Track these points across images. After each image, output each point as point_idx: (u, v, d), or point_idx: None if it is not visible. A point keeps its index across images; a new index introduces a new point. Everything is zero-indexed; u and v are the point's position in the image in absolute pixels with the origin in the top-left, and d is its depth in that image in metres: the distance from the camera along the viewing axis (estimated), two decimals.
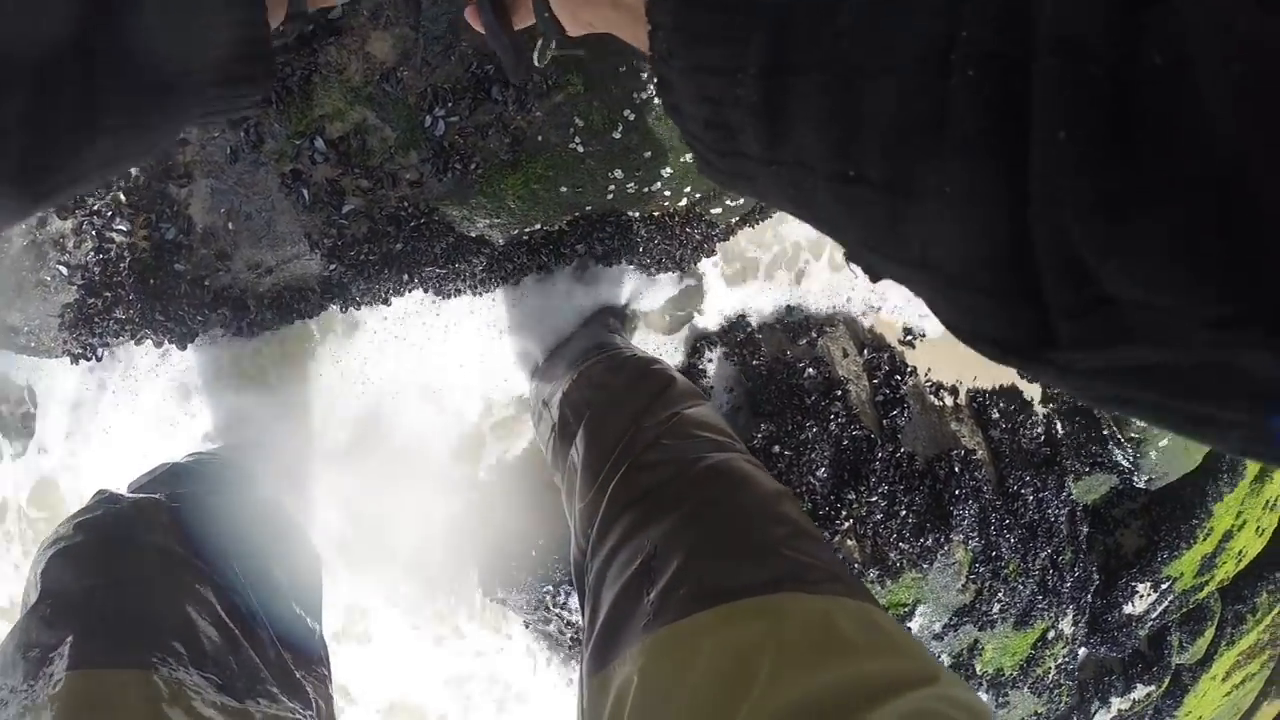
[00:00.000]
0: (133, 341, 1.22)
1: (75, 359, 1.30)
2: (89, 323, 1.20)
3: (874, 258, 0.38)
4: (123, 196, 1.11)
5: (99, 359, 1.29)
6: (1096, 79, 0.26)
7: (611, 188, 1.01)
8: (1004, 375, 1.79)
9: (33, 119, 0.43)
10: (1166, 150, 0.24)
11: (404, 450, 1.34)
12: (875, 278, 0.41)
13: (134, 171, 1.10)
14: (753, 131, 0.41)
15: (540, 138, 0.96)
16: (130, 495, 0.97)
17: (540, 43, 0.66)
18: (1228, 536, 2.45)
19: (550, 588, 1.25)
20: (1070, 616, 2.21)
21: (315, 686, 0.92)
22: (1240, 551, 2.55)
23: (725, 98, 0.43)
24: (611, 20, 0.58)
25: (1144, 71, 0.25)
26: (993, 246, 0.29)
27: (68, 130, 0.46)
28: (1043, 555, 1.95)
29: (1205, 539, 2.38)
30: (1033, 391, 1.85)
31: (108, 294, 1.15)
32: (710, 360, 1.32)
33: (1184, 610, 2.62)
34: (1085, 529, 2.24)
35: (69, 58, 0.44)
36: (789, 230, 1.40)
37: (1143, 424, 1.74)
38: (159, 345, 1.22)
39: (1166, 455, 2.08)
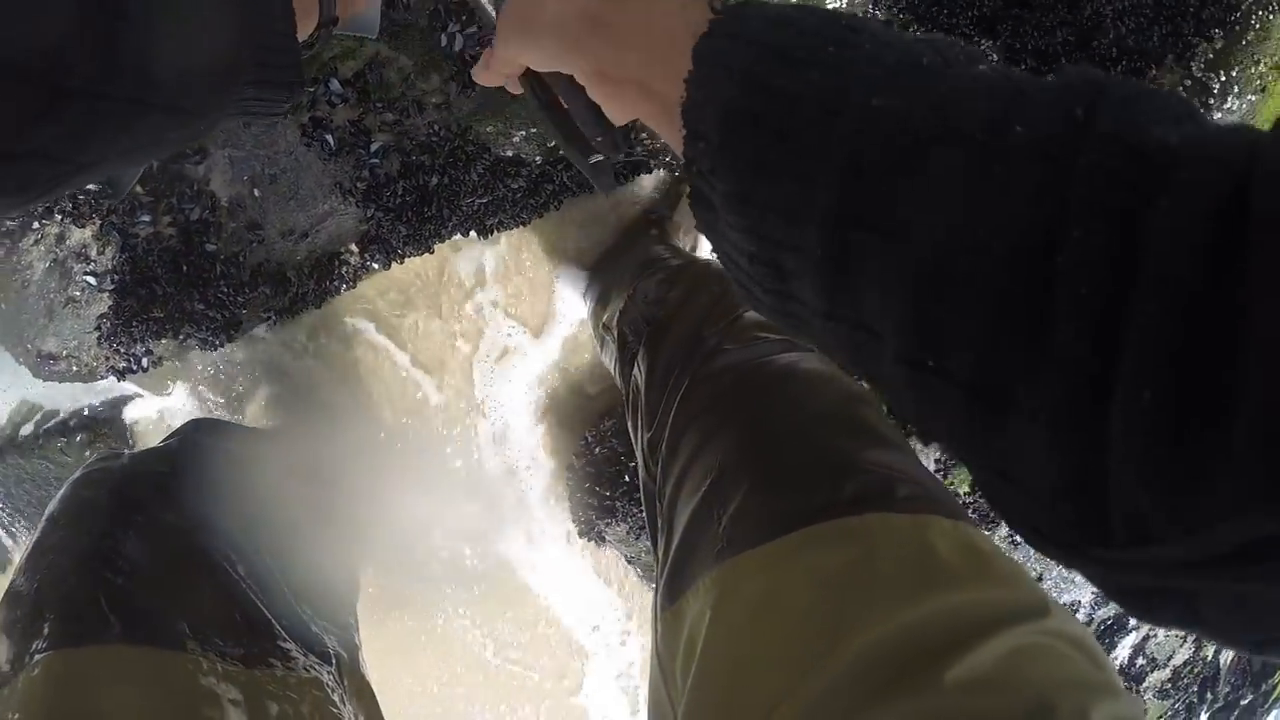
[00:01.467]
0: (175, 339, 1.18)
1: (120, 374, 1.26)
2: (128, 328, 1.16)
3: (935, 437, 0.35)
4: (139, 188, 1.07)
5: (144, 369, 1.25)
6: (1191, 339, 0.24)
7: None
8: None
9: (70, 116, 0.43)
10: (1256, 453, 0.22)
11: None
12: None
13: None
14: (810, 282, 0.36)
15: None
16: (128, 453, 0.87)
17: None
18: None
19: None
20: None
21: (338, 636, 0.85)
22: None
23: (779, 239, 0.36)
24: (642, 111, 0.47)
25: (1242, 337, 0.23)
26: (1075, 478, 0.28)
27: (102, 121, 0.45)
28: None
29: None
30: None
31: (142, 291, 1.12)
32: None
33: None
34: None
35: (84, 58, 0.41)
36: None
37: None
38: (204, 345, 1.18)
39: None
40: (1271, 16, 1.39)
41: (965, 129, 0.31)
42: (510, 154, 0.98)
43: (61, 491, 0.75)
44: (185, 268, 1.08)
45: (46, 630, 0.60)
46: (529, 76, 0.56)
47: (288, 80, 0.59)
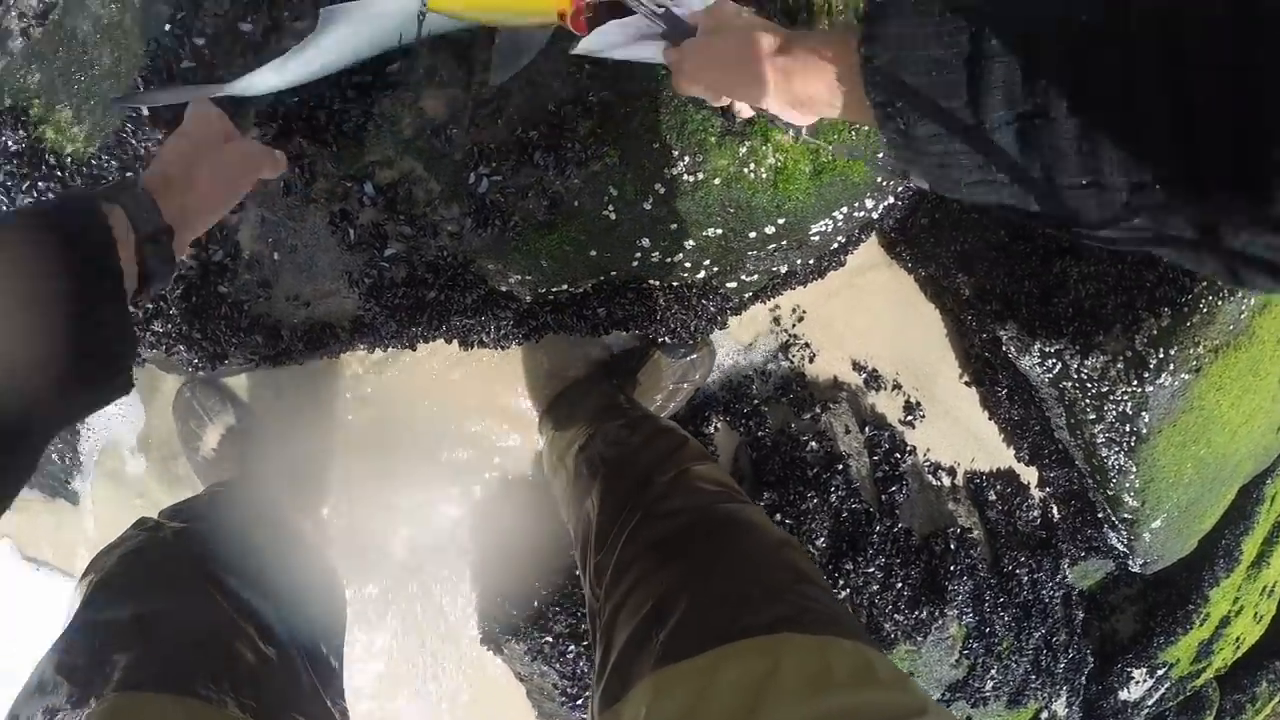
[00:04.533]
0: (164, 353, 1.27)
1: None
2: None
3: (1040, 188, 0.47)
4: None
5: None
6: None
7: (638, 255, 1.06)
8: (1001, 459, 1.82)
9: None
10: None
11: (408, 484, 1.38)
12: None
13: None
14: (961, 97, 0.48)
15: (576, 203, 1.01)
16: (170, 524, 1.01)
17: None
18: (1225, 622, 2.44)
19: (549, 638, 1.28)
20: (1064, 698, 2.20)
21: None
22: (1238, 638, 2.53)
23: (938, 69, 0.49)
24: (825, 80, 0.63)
25: None
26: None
27: None
28: (1037, 635, 1.96)
29: (1202, 624, 2.37)
30: (1029, 475, 1.87)
31: (150, 306, 1.21)
32: (715, 428, 1.36)
33: (1181, 698, 2.59)
34: (1081, 613, 2.24)
35: None
36: (803, 302, 1.45)
37: (1135, 503, 1.75)
38: (188, 364, 1.27)
39: (1161, 538, 2.09)
40: (1220, 302, 1.46)
41: None
42: (504, 289, 1.07)
43: (109, 564, 0.86)
44: (194, 299, 1.17)
45: (112, 676, 0.71)
46: None
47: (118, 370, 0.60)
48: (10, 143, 1.29)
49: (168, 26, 1.15)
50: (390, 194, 1.02)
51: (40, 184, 1.27)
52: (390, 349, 1.13)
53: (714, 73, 0.72)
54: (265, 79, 0.94)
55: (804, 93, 0.64)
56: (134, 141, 1.17)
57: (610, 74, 1.00)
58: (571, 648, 1.28)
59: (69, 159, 1.25)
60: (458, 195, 1.01)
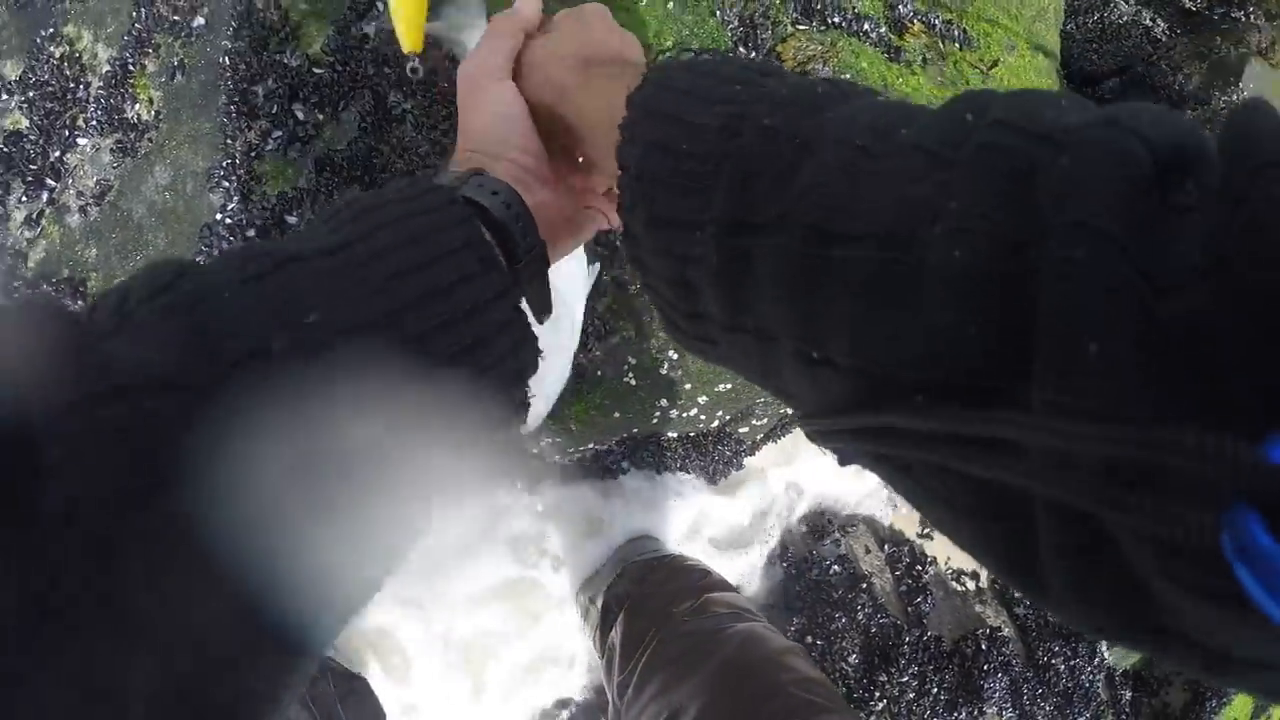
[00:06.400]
0: None
1: None
2: None
3: (839, 442, 0.34)
4: None
5: None
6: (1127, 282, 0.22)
7: (657, 413, 1.13)
8: None
9: None
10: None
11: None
12: (844, 462, 0.36)
13: None
14: (713, 295, 0.39)
15: (599, 372, 1.09)
16: None
17: None
18: None
19: None
20: None
21: None
22: None
23: (683, 253, 0.40)
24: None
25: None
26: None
27: None
28: None
29: None
30: None
31: None
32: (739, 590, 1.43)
33: None
34: (1128, 693, 2.21)
35: None
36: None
37: None
38: None
39: None
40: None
41: (848, 137, 0.33)
42: (534, 451, 1.15)
43: None
44: None
45: None
46: None
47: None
48: None
49: (218, 215, 1.26)
50: None
51: None
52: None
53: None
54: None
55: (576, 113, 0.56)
56: None
57: (622, 256, 1.09)
58: None
59: None
60: None
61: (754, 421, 1.21)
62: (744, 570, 1.43)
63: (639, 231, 0.43)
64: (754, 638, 1.00)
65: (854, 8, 1.13)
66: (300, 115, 1.22)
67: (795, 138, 0.35)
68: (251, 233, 1.22)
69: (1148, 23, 1.65)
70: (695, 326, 0.43)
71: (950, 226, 0.26)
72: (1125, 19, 1.65)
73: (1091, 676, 1.97)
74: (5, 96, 1.53)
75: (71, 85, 1.49)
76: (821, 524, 1.49)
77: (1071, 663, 1.89)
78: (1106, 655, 2.07)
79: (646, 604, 1.14)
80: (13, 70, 1.52)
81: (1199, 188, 0.23)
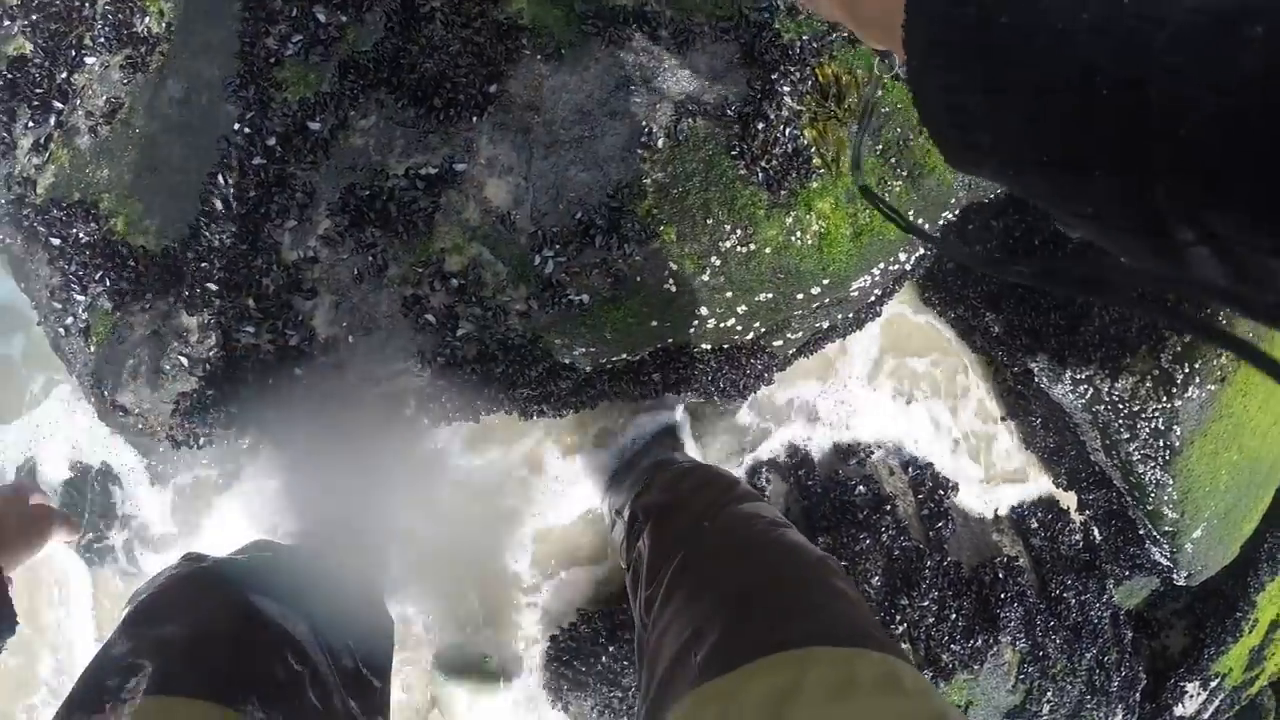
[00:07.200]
0: (235, 436, 1.33)
1: (177, 444, 1.41)
2: (203, 411, 1.31)
3: (1059, 211, 0.53)
4: (251, 302, 1.23)
5: (200, 446, 1.40)
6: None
7: (695, 323, 1.11)
8: (1040, 486, 1.85)
9: None
10: None
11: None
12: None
13: (265, 280, 1.22)
14: (981, 130, 0.54)
15: (639, 279, 1.07)
16: (213, 556, 1.06)
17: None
18: (1274, 627, 2.44)
19: (619, 693, 1.32)
20: (1120, 716, 2.21)
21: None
22: None
23: (965, 104, 0.55)
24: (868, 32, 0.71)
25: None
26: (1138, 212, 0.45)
27: None
28: (1089, 656, 1.98)
29: (1251, 631, 2.38)
30: (1069, 500, 1.90)
31: (228, 387, 1.27)
32: (767, 480, 1.40)
33: (1236, 709, 2.59)
34: (1129, 632, 2.25)
35: None
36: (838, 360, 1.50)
37: (1175, 515, 1.78)
38: (258, 442, 1.33)
39: (1203, 547, 2.11)
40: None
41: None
42: (567, 361, 1.12)
43: (160, 581, 0.92)
44: (271, 381, 1.23)
45: (142, 684, 0.76)
46: None
47: None
48: (82, 235, 1.35)
49: (236, 125, 1.22)
50: (460, 278, 1.08)
51: (113, 275, 1.32)
52: (454, 421, 1.19)
53: None
54: None
55: (867, 7, 0.69)
56: (207, 234, 1.23)
57: (664, 156, 1.06)
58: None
59: (141, 251, 1.31)
60: (524, 276, 1.07)
61: (789, 335, 1.20)
62: (771, 491, 1.42)
63: (925, 81, 0.58)
64: (785, 547, 0.95)
65: None
66: (322, 17, 1.18)
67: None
68: (272, 141, 1.18)
69: None
70: (967, 153, 0.57)
71: (1104, 79, 0.44)
72: None
73: (1100, 613, 2.00)
74: (7, 23, 1.46)
75: (76, 3, 1.43)
76: (847, 444, 1.48)
77: (1082, 597, 1.91)
78: (1114, 593, 2.10)
79: (675, 515, 1.11)
80: None
81: (1265, 29, 0.38)
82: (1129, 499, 1.78)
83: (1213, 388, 1.62)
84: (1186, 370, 1.57)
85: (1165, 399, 1.60)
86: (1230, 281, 0.43)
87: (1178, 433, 1.65)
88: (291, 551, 1.30)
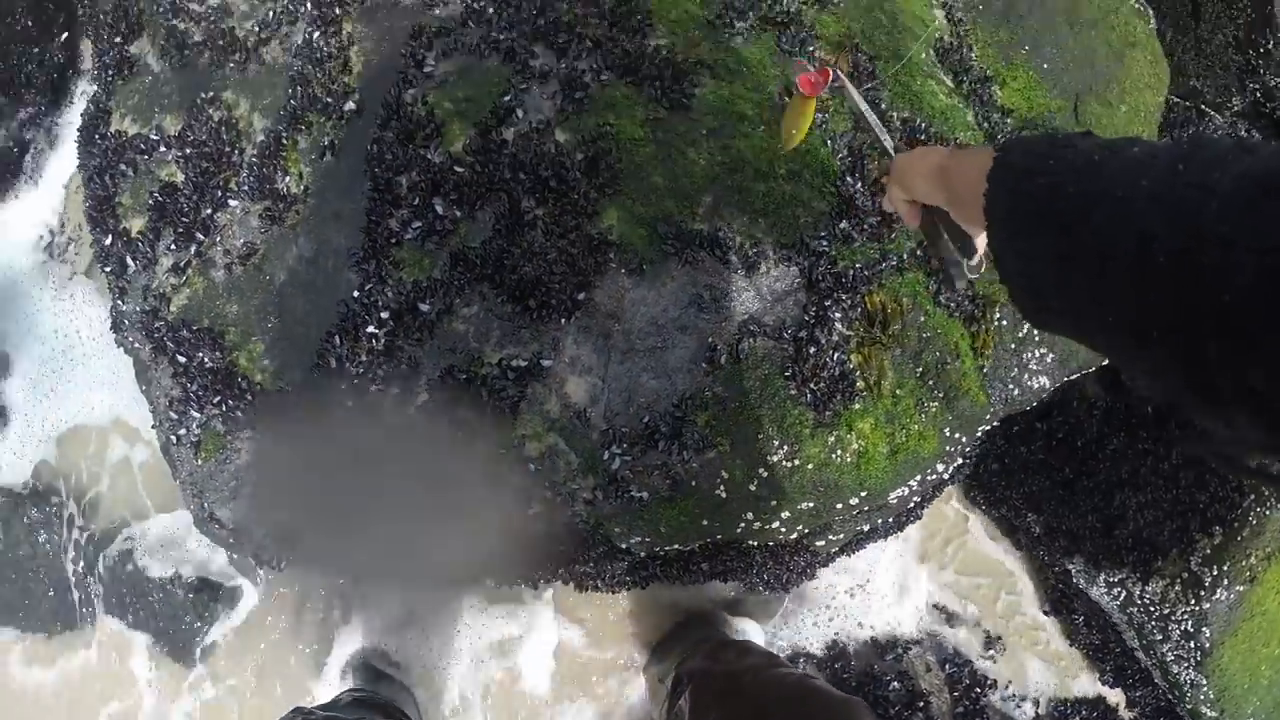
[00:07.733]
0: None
1: (260, 562, 1.55)
2: (293, 541, 1.44)
3: (1126, 369, 0.60)
4: None
5: (279, 569, 1.53)
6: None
7: (742, 524, 1.22)
8: (1085, 684, 1.87)
9: None
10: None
11: None
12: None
13: None
14: (1052, 293, 0.61)
15: (694, 482, 1.18)
16: (322, 713, 1.19)
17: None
18: None
19: None
20: None
21: None
22: None
23: (1037, 269, 0.63)
24: (963, 216, 0.80)
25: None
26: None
27: None
28: None
29: None
30: (1116, 697, 1.91)
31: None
32: (803, 668, 1.49)
33: None
34: None
35: None
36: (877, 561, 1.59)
37: (1214, 714, 1.78)
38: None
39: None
40: (1268, 512, 1.56)
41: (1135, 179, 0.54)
42: (624, 546, 1.24)
43: None
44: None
45: None
46: (920, 207, 0.89)
47: None
48: (206, 359, 1.50)
49: (356, 293, 1.38)
50: (539, 462, 1.21)
51: (230, 402, 1.47)
52: (514, 585, 1.31)
53: (907, 175, 0.88)
54: None
55: (958, 185, 0.78)
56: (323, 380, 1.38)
57: (725, 373, 1.18)
58: None
59: (258, 387, 1.46)
60: (593, 469, 1.20)
61: (831, 536, 1.30)
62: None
63: (1004, 247, 0.67)
64: (814, 691, 1.08)
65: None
66: (439, 210, 1.34)
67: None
68: (385, 314, 1.34)
69: (1243, 132, 1.70)
70: (1042, 315, 0.66)
71: (1160, 249, 0.50)
72: (1219, 132, 1.71)
73: None
74: (164, 149, 1.62)
75: (227, 149, 1.59)
76: (884, 639, 1.56)
77: None
78: None
79: (716, 677, 1.22)
80: (172, 125, 1.62)
81: None
82: (1171, 697, 1.80)
83: (1241, 588, 1.65)
84: (1215, 573, 1.61)
85: (1194, 602, 1.64)
86: (1263, 437, 0.46)
87: (1207, 634, 1.68)
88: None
